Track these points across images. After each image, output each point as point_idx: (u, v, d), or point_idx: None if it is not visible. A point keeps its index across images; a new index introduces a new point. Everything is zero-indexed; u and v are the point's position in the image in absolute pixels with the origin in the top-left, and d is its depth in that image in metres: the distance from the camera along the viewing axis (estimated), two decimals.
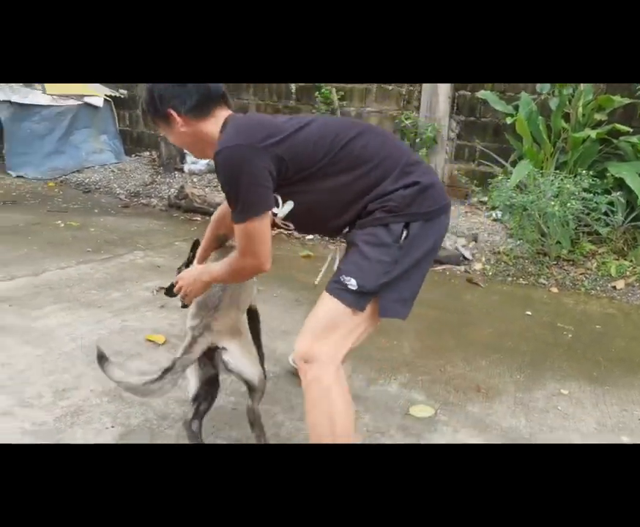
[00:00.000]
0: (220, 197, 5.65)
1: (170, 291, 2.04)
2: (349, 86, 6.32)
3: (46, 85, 6.75)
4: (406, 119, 5.83)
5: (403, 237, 1.44)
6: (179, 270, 2.09)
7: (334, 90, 6.19)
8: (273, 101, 6.82)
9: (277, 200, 1.51)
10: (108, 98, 7.29)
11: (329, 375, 1.42)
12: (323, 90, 6.29)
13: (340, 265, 1.52)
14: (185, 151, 6.06)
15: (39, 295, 3.03)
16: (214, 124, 1.54)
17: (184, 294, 1.76)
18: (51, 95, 6.72)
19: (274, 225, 1.60)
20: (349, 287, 1.42)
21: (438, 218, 1.51)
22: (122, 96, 7.65)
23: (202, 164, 6.66)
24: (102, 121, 7.29)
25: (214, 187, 6.32)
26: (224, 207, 1.90)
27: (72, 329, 2.65)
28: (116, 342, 2.55)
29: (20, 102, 6.48)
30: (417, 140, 5.82)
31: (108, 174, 6.83)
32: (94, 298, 3.08)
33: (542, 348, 2.89)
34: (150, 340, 2.61)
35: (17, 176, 6.47)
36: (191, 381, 1.74)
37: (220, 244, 2.07)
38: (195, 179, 6.49)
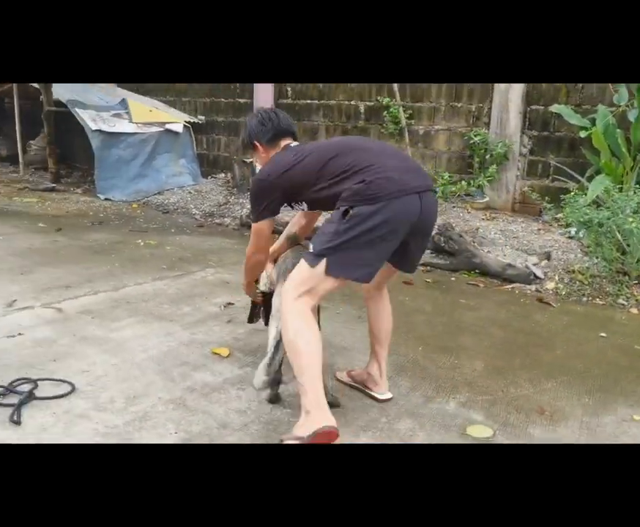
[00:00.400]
0: (288, 216, 5.81)
1: (250, 320, 2.77)
2: (417, 104, 6.33)
3: (132, 113, 7.27)
4: (475, 136, 5.74)
5: (347, 216, 1.94)
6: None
7: (401, 109, 6.22)
8: (342, 122, 6.94)
9: (300, 203, 2.22)
10: (187, 124, 7.73)
11: (291, 304, 2.00)
12: (391, 109, 6.33)
13: None
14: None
15: (117, 308, 3.25)
16: (277, 150, 2.29)
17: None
18: (136, 123, 7.22)
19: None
20: (310, 250, 2.01)
21: (388, 202, 1.93)
22: (200, 122, 8.07)
23: None
24: (181, 146, 7.73)
25: (285, 206, 6.49)
26: (300, 214, 2.52)
27: (145, 340, 2.83)
28: (183, 354, 2.69)
29: (109, 130, 7.01)
30: (487, 157, 5.72)
31: (185, 195, 7.21)
32: (167, 312, 3.26)
33: (616, 371, 2.73)
34: (215, 353, 2.73)
35: (106, 199, 6.98)
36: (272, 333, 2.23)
37: (292, 244, 2.48)
38: None
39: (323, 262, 1.96)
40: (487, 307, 3.66)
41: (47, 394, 2.21)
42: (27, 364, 2.46)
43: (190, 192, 7.31)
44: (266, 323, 2.51)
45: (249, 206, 2.58)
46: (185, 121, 7.74)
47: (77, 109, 7.00)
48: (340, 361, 2.71)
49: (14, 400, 2.14)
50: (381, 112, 6.54)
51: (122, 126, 7.12)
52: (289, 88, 7.28)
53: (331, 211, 2.14)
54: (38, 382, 2.27)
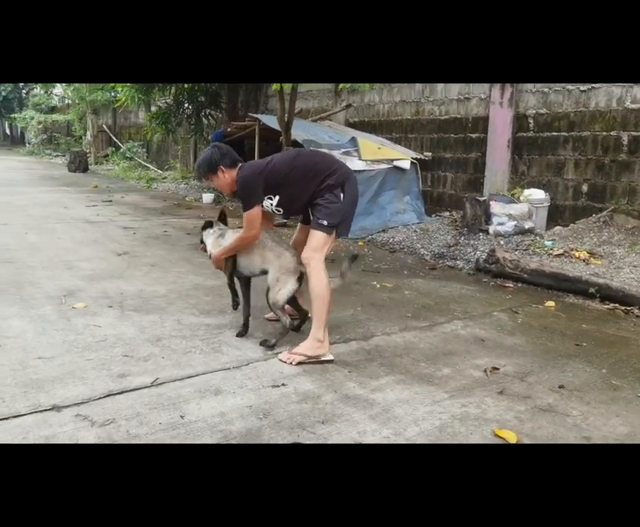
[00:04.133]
0: (535, 263, 5.13)
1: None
2: None
3: (362, 151, 7.29)
4: None
5: (342, 196, 3.00)
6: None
7: None
8: (597, 156, 6.04)
9: (271, 198, 3.07)
10: (414, 160, 7.51)
11: (319, 265, 2.97)
12: None
13: (316, 214, 3.01)
14: (484, 213, 5.79)
15: (372, 362, 2.99)
16: (235, 171, 3.09)
17: (213, 263, 3.32)
18: (365, 160, 7.21)
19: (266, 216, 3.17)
20: (324, 224, 2.95)
21: (349, 180, 3.06)
22: (426, 158, 7.80)
23: (509, 226, 6.23)
24: (406, 183, 7.53)
25: (524, 250, 5.81)
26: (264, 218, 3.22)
27: (411, 408, 2.48)
28: (461, 434, 2.27)
29: None
30: None
31: (410, 234, 6.94)
32: (425, 371, 2.90)
33: None
34: (499, 436, 2.25)
35: None
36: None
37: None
38: (502, 241, 6.09)
39: (334, 230, 3.00)
40: None
41: None
42: (297, 424, 2.27)
43: (415, 231, 7.03)
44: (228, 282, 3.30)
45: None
46: (412, 158, 7.54)
47: (312, 148, 7.25)
48: None
49: None
50: None
51: (352, 163, 7.15)
52: (531, 121, 6.60)
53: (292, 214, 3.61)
54: None
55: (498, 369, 2.97)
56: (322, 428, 2.25)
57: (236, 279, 3.30)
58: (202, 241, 3.41)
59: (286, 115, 7.47)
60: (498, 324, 3.77)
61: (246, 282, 3.30)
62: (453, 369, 2.96)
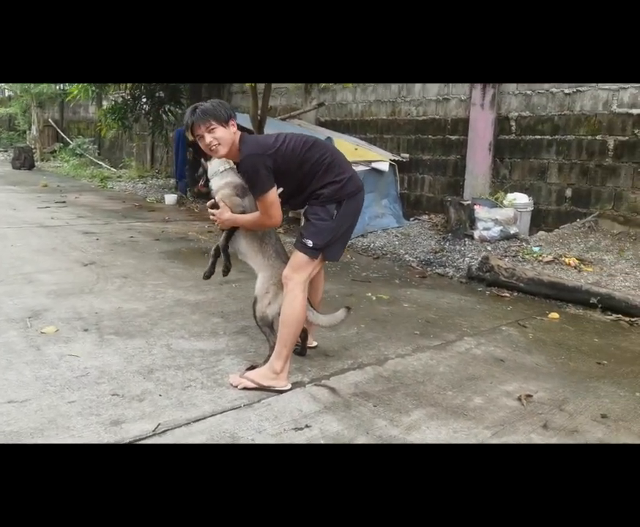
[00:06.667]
0: (532, 272, 4.97)
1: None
2: None
3: None
4: None
5: (335, 213, 2.57)
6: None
7: None
8: (582, 159, 5.97)
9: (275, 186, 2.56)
10: (392, 162, 7.27)
11: (297, 288, 2.56)
12: None
13: (302, 231, 2.64)
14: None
15: (395, 392, 2.68)
16: (230, 129, 2.54)
17: (217, 221, 2.75)
18: None
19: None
20: (308, 245, 2.56)
21: (355, 196, 2.64)
22: (404, 160, 7.58)
23: (495, 231, 6.07)
24: (384, 186, 7.28)
25: (513, 256, 5.65)
26: None
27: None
28: None
29: None
30: None
31: (391, 239, 6.69)
32: (455, 402, 2.62)
33: None
34: None
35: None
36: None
37: None
38: (488, 247, 5.93)
39: (319, 252, 2.60)
40: None
41: None
42: None
43: (395, 236, 6.78)
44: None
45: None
46: (391, 160, 7.29)
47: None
48: None
49: None
50: (637, 149, 5.45)
51: None
52: (513, 124, 6.48)
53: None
54: None
55: (531, 396, 2.73)
56: None
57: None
58: (205, 177, 2.85)
59: (259, 113, 7.08)
60: (510, 341, 3.55)
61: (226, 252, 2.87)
62: (484, 397, 2.69)
